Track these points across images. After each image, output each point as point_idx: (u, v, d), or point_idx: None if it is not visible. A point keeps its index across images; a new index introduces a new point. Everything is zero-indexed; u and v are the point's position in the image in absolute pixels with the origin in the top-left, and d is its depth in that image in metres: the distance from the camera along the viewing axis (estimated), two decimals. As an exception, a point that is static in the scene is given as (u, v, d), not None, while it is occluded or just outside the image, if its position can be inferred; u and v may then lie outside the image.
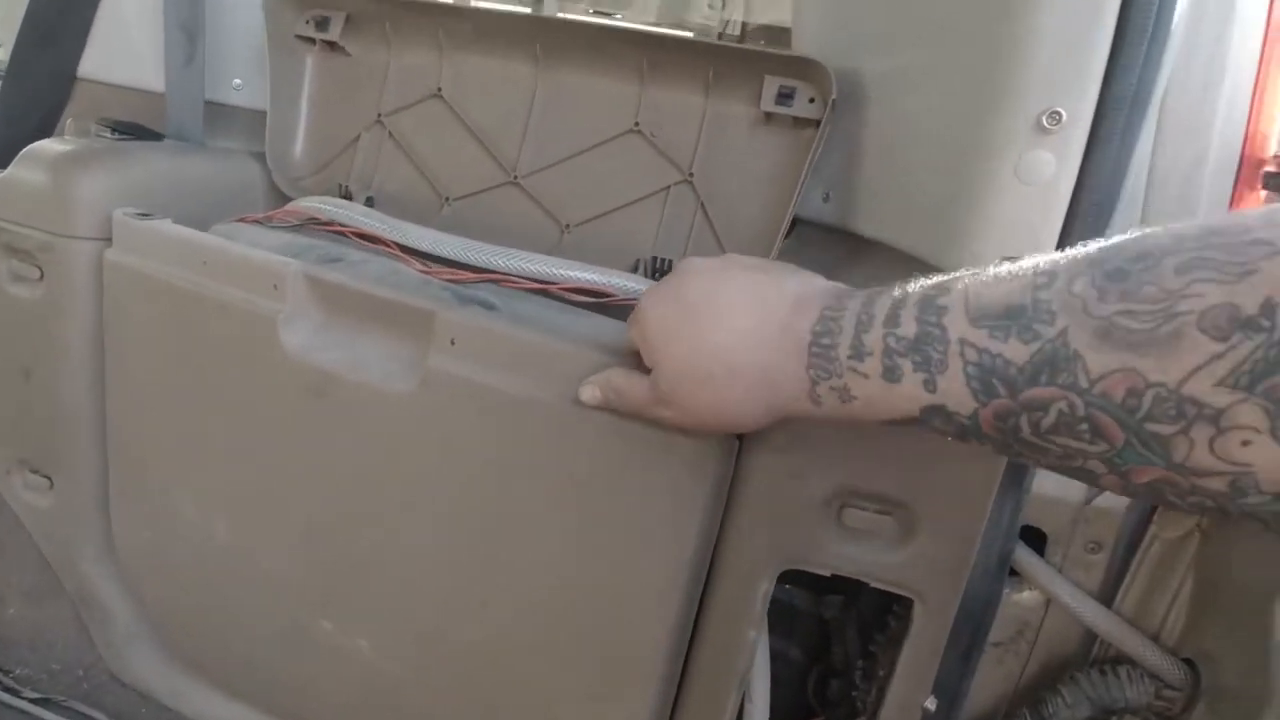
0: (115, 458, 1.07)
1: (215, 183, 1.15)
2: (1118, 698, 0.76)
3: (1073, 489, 0.80)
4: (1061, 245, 0.66)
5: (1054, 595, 0.80)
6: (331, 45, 1.19)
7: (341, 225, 1.03)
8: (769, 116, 0.99)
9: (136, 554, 1.10)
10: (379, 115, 1.19)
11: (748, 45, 1.10)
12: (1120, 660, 0.79)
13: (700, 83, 1.03)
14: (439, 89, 1.16)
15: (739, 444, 0.75)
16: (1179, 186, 0.68)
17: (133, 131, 1.12)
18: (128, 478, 1.07)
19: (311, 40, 1.19)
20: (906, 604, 0.75)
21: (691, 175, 1.05)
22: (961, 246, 0.70)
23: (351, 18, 1.17)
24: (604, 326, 0.87)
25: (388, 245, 1.00)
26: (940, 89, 0.75)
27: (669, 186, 1.06)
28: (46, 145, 1.03)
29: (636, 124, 1.07)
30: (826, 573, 0.74)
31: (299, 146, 1.22)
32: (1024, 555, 0.81)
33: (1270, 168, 0.69)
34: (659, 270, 1.04)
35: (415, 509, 0.88)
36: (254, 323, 0.90)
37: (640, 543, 0.79)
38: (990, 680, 0.86)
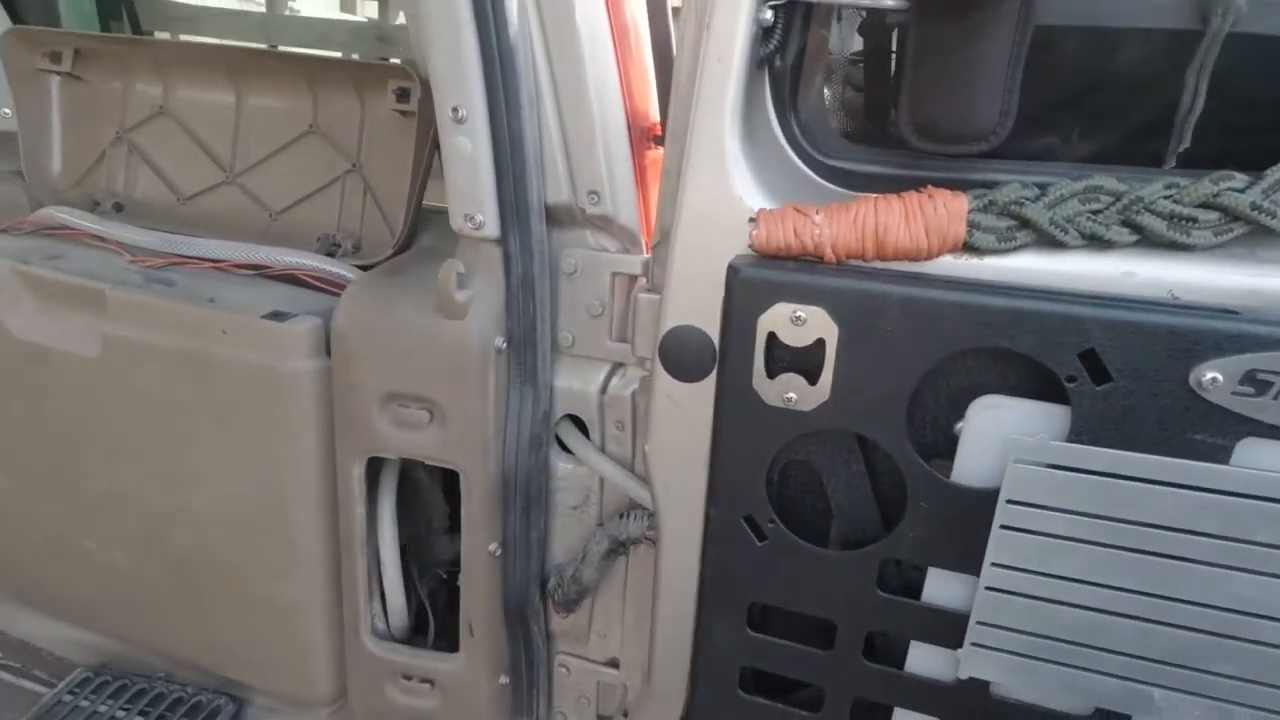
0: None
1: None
2: (624, 530, 1.04)
3: (594, 381, 1.06)
4: (499, 202, 0.91)
5: (588, 463, 1.06)
6: (69, 75, 1.41)
7: (72, 228, 1.28)
8: (401, 113, 1.23)
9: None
10: (118, 132, 1.42)
11: (381, 61, 1.33)
12: (637, 506, 1.06)
13: (354, 92, 1.27)
14: (161, 107, 1.39)
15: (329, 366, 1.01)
16: (588, 150, 0.92)
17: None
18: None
19: (52, 72, 1.41)
20: (454, 475, 1.02)
21: (357, 164, 1.29)
22: (450, 207, 0.95)
23: (82, 51, 1.39)
24: (261, 292, 1.12)
25: (109, 243, 1.25)
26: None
27: (342, 175, 1.31)
28: None
29: (312, 125, 1.31)
30: (394, 456, 1.01)
31: (55, 163, 1.45)
32: (569, 436, 1.08)
33: (657, 133, 0.94)
34: (332, 245, 1.29)
35: (123, 447, 1.14)
36: (-11, 315, 1.15)
37: (277, 451, 1.06)
38: (577, 533, 1.13)
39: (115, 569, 1.24)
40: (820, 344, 0.68)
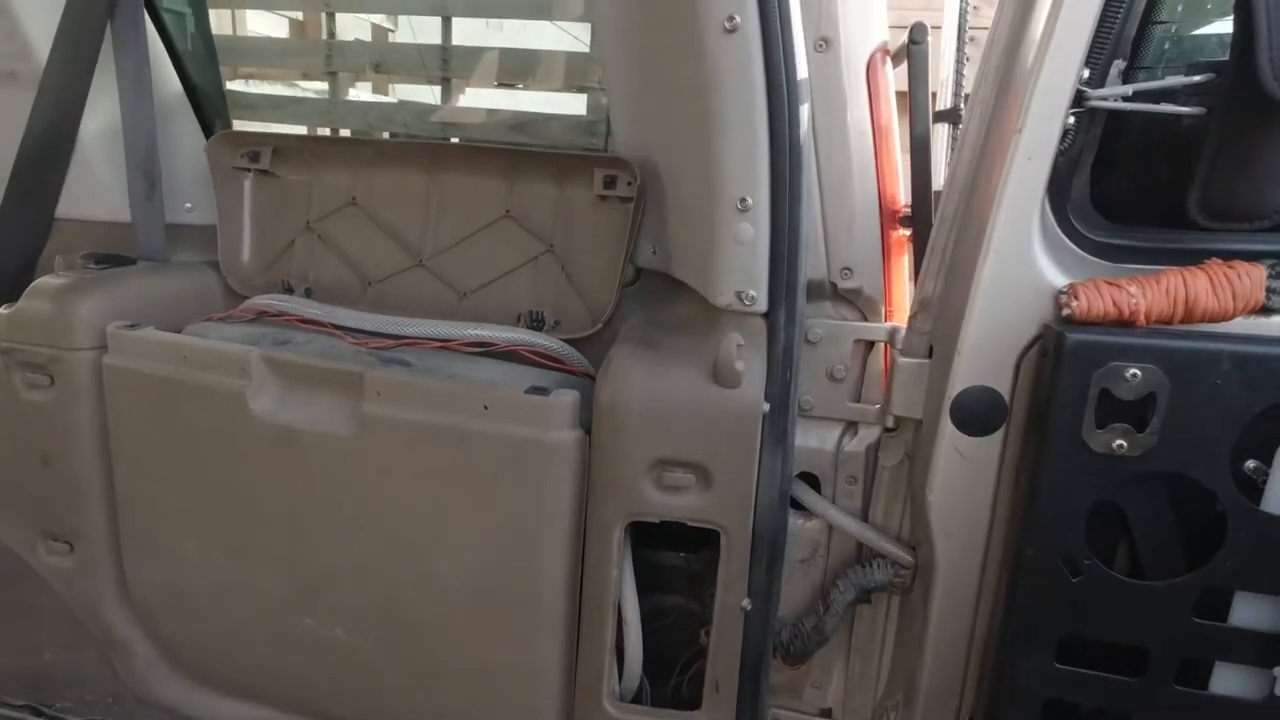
0: (125, 522, 1.35)
1: (183, 292, 1.45)
2: (871, 579, 1.10)
3: (829, 440, 1.14)
4: (772, 280, 1.01)
5: (826, 517, 1.14)
6: (264, 172, 1.50)
7: (288, 314, 1.34)
8: (602, 198, 1.34)
9: (150, 597, 1.37)
10: (308, 222, 1.50)
11: (579, 151, 1.45)
12: (875, 555, 1.13)
13: (551, 177, 1.37)
14: (354, 199, 1.48)
15: (589, 437, 1.07)
16: (846, 232, 1.04)
17: (110, 260, 1.41)
18: (137, 537, 1.34)
19: (247, 169, 1.50)
20: (717, 536, 1.08)
21: (552, 246, 1.39)
22: (713, 284, 1.04)
23: (278, 150, 1.48)
24: (489, 368, 1.19)
25: (325, 327, 1.31)
26: (690, 184, 1.10)
27: (537, 256, 1.40)
28: (48, 281, 1.32)
29: (507, 211, 1.41)
30: (656, 519, 1.07)
31: (246, 254, 1.52)
32: (804, 493, 1.15)
33: (902, 214, 1.06)
34: (534, 321, 1.37)
35: (365, 521, 1.18)
36: (228, 398, 1.20)
37: (532, 518, 1.11)
38: (801, 586, 1.20)
39: (333, 645, 1.25)
40: (1152, 396, 0.77)
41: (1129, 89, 0.79)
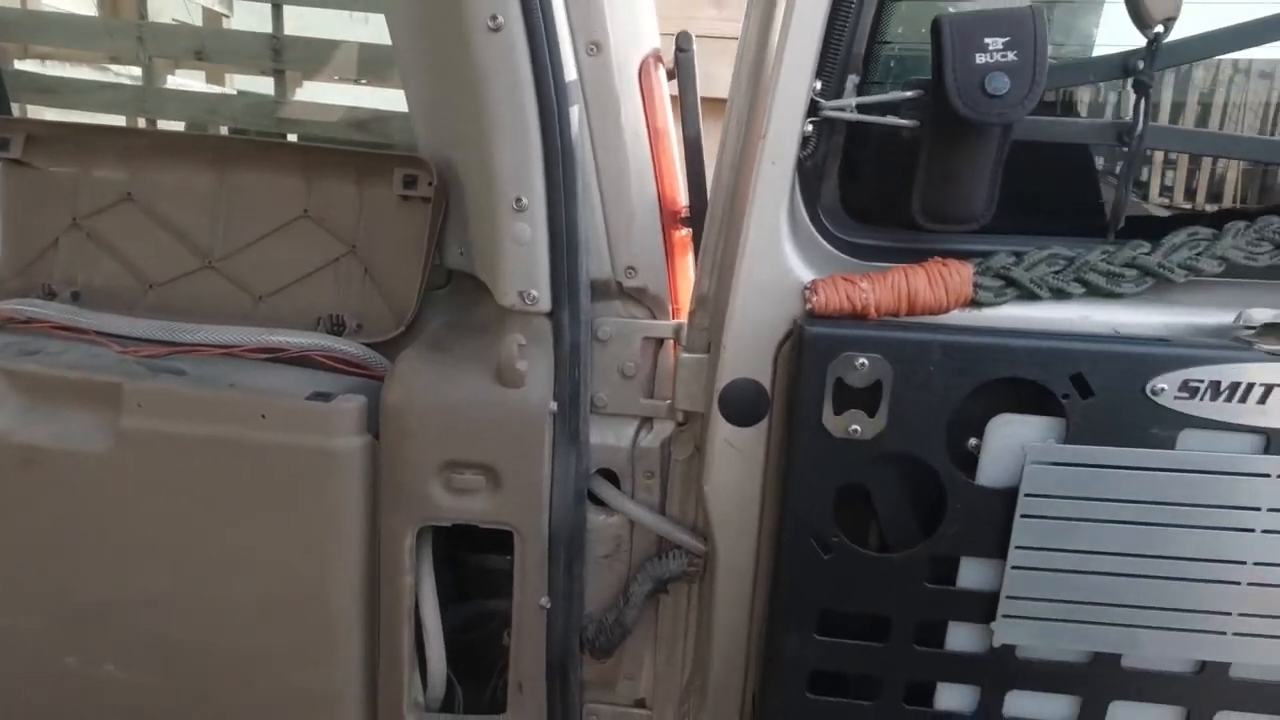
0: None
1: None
2: (667, 570, 1.13)
3: (625, 436, 1.17)
4: (553, 279, 1.02)
5: (624, 512, 1.16)
6: (16, 161, 1.34)
7: (39, 320, 1.21)
8: (405, 199, 1.30)
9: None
10: (75, 219, 1.36)
11: (379, 151, 1.40)
12: (672, 547, 1.16)
13: (352, 177, 1.32)
14: (129, 194, 1.36)
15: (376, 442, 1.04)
16: (627, 232, 1.06)
17: None
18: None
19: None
20: (509, 535, 1.07)
21: (354, 247, 1.33)
22: (498, 285, 1.04)
23: (34, 137, 1.34)
24: (281, 376, 1.13)
25: (86, 334, 1.19)
26: (476, 184, 1.09)
27: (338, 258, 1.34)
28: None
29: (305, 211, 1.34)
30: (448, 523, 1.05)
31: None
32: (603, 489, 1.17)
33: (683, 214, 1.10)
34: (335, 325, 1.31)
35: (132, 546, 1.08)
36: (-39, 416, 1.06)
37: (321, 531, 1.06)
38: (607, 581, 1.21)
39: (106, 683, 1.14)
40: (879, 384, 0.84)
41: (854, 101, 0.86)
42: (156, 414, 1.04)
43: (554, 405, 1.05)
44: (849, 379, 0.85)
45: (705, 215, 1.07)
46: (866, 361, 0.84)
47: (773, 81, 0.85)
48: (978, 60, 0.76)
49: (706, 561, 1.13)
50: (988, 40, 0.76)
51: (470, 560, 1.34)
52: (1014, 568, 0.86)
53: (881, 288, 0.86)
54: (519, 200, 0.98)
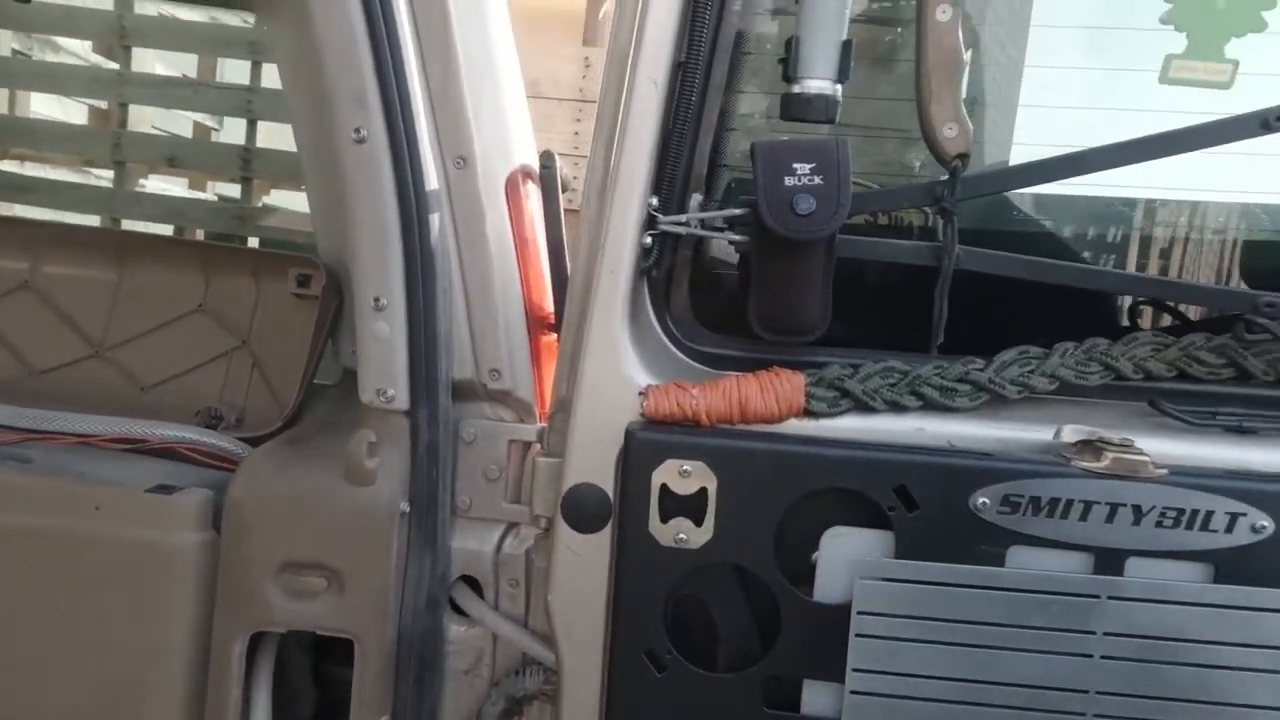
0: None
1: None
2: (521, 687, 1.07)
3: (489, 541, 1.13)
4: (411, 378, 1.02)
5: (483, 622, 1.10)
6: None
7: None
8: (299, 297, 1.32)
9: None
10: (-35, 307, 1.37)
11: (277, 251, 1.45)
12: (533, 662, 1.10)
13: (250, 274, 1.35)
14: (26, 282, 1.37)
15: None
16: (492, 335, 1.07)
17: None
18: None
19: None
20: (349, 645, 1.01)
21: (245, 342, 1.34)
22: (360, 382, 1.04)
23: (-57, 230, 1.37)
24: (134, 468, 1.10)
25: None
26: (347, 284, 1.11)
27: (228, 351, 1.34)
28: None
29: (200, 305, 1.36)
30: (283, 630, 0.99)
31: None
32: (465, 598, 1.12)
33: (550, 321, 1.12)
34: (212, 418, 1.30)
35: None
36: None
37: (146, 632, 0.99)
38: (467, 699, 1.13)
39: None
40: (703, 491, 0.83)
41: (685, 217, 0.90)
42: (-12, 503, 1.00)
43: (406, 506, 1.03)
44: (674, 485, 0.83)
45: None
46: (690, 469, 0.83)
47: (609, 196, 0.89)
48: (786, 182, 0.80)
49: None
50: (795, 165, 0.81)
51: (337, 675, 1.26)
52: (853, 692, 0.81)
53: (713, 395, 0.86)
54: (378, 300, 1.00)
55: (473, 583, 1.14)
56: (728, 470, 0.82)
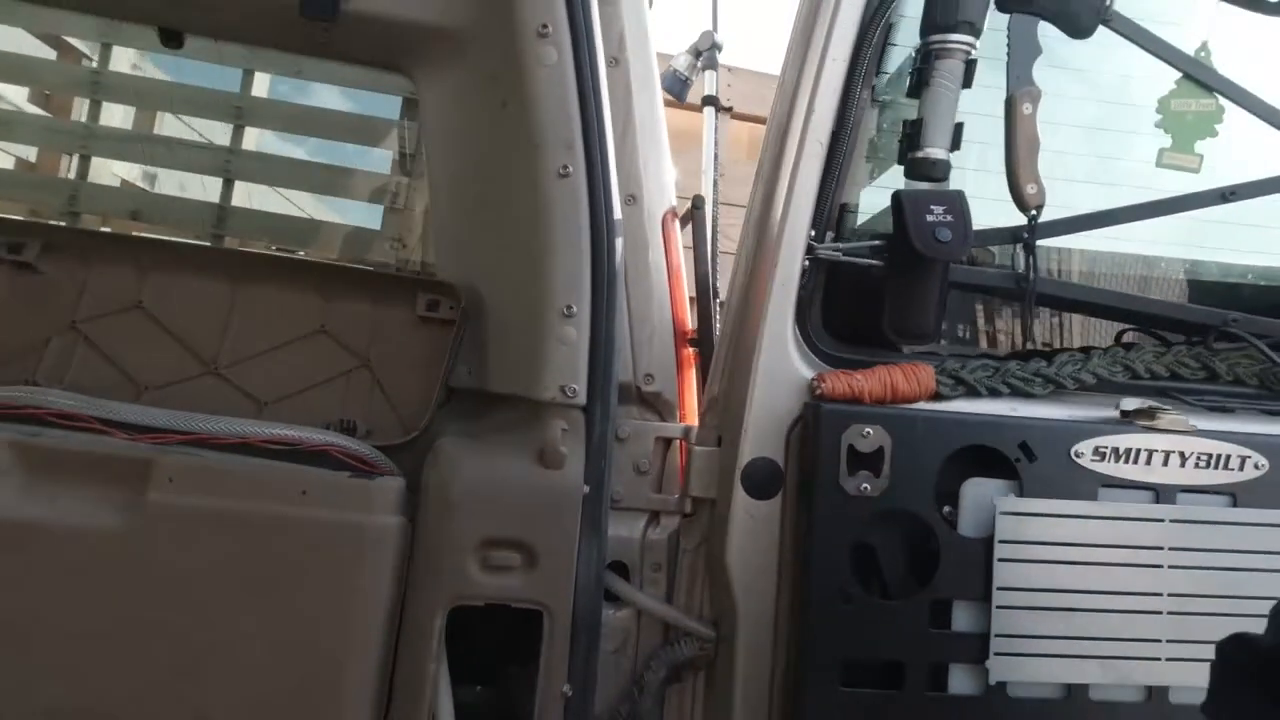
0: None
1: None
2: (681, 655, 1.19)
3: (636, 529, 1.27)
4: (590, 377, 1.18)
5: (635, 602, 1.22)
6: (27, 265, 1.36)
7: (32, 408, 1.17)
8: (425, 319, 1.44)
9: None
10: (73, 322, 1.37)
11: (404, 274, 1.56)
12: (682, 636, 1.22)
13: (368, 298, 1.45)
14: (140, 302, 1.39)
15: (412, 523, 1.08)
16: (648, 345, 1.26)
17: None
18: None
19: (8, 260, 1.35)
20: (538, 618, 1.10)
21: (368, 362, 1.43)
22: (538, 382, 1.18)
23: (50, 244, 1.37)
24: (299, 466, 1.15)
25: (88, 422, 1.16)
26: (516, 300, 1.26)
27: (349, 370, 1.42)
28: None
29: (322, 326, 1.43)
30: (481, 602, 1.07)
31: (-20, 350, 1.31)
32: (615, 582, 1.23)
33: (691, 336, 1.32)
34: (346, 427, 1.36)
35: (140, 633, 1.00)
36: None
37: (348, 609, 1.04)
38: (613, 678, 1.23)
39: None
40: (880, 450, 1.05)
41: (841, 245, 1.16)
42: (190, 489, 1.03)
43: (586, 488, 1.16)
44: (858, 445, 1.05)
45: (709, 338, 1.31)
46: (870, 431, 1.05)
47: (777, 229, 1.14)
48: (928, 219, 1.09)
49: (718, 647, 1.20)
50: (933, 207, 1.10)
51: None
52: (998, 606, 1.03)
53: (871, 380, 1.10)
54: (569, 308, 1.17)
55: (619, 569, 1.26)
56: (900, 432, 1.05)
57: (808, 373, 1.14)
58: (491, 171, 1.30)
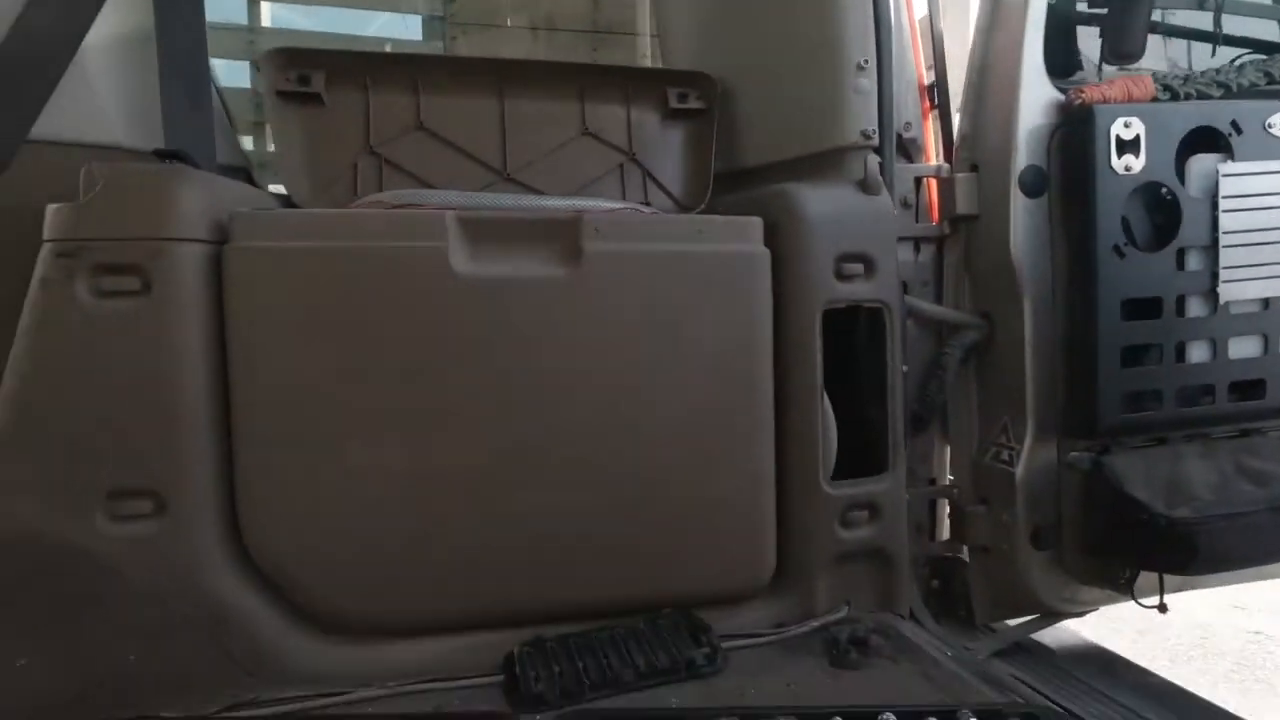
0: (247, 453, 1.11)
1: (252, 201, 1.28)
2: (969, 338, 1.49)
3: (908, 255, 1.53)
4: (880, 122, 1.40)
5: (913, 309, 1.51)
6: (316, 95, 1.43)
7: (414, 205, 1.30)
8: (675, 112, 1.60)
9: (282, 543, 1.13)
10: (370, 146, 1.46)
11: (652, 68, 1.70)
12: (956, 329, 1.53)
13: (622, 96, 1.60)
14: (421, 123, 1.49)
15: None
16: (901, 98, 1.49)
17: (175, 158, 1.21)
18: (269, 468, 1.12)
19: (298, 92, 1.41)
20: (879, 315, 1.37)
21: (635, 155, 1.59)
22: (838, 130, 1.39)
23: (332, 72, 1.44)
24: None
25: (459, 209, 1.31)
26: (794, 71, 1.45)
27: (620, 165, 1.59)
28: (130, 169, 1.10)
29: (585, 128, 1.58)
30: (843, 305, 1.33)
31: (303, 180, 1.40)
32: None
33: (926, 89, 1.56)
34: (644, 204, 1.54)
35: (586, 367, 1.20)
36: (423, 261, 1.15)
37: (744, 326, 1.27)
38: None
39: (550, 517, 1.20)
40: (1138, 138, 1.34)
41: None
42: (615, 237, 1.22)
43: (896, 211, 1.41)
44: (1122, 135, 1.34)
45: (945, 86, 1.54)
46: (1130, 121, 1.34)
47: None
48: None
49: (992, 333, 1.51)
50: None
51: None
52: (1225, 247, 1.37)
53: (1114, 89, 1.38)
54: (865, 61, 1.37)
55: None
56: (1150, 121, 1.34)
57: (1056, 93, 1.40)
58: None
